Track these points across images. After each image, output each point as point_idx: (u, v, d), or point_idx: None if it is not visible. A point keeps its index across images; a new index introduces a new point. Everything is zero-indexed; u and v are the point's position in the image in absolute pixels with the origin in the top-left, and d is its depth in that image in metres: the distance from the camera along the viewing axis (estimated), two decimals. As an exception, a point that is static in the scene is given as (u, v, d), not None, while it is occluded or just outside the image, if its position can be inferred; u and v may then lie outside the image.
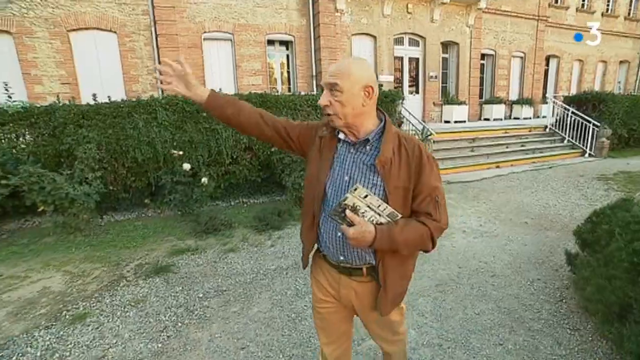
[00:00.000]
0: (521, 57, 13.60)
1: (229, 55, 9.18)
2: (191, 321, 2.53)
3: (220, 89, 5.87)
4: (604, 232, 2.32)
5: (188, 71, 1.22)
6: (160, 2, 8.41)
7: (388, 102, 6.33)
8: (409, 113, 7.19)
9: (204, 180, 4.96)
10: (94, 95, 5.52)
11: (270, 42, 9.46)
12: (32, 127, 5.15)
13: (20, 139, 5.21)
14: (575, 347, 2.14)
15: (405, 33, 10.64)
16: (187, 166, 4.90)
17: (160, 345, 2.28)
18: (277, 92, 9.30)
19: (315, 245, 1.32)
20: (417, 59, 11.16)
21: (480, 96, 12.86)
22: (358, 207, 1.05)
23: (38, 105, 5.26)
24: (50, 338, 2.40)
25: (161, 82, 1.23)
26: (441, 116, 11.44)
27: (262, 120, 1.31)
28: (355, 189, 1.02)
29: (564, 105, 9.65)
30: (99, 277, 3.35)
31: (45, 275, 3.45)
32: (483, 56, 12.67)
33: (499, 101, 12.37)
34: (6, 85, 5.32)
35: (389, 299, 1.22)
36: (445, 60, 11.75)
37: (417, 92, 11.35)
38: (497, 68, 13.07)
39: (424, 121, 10.53)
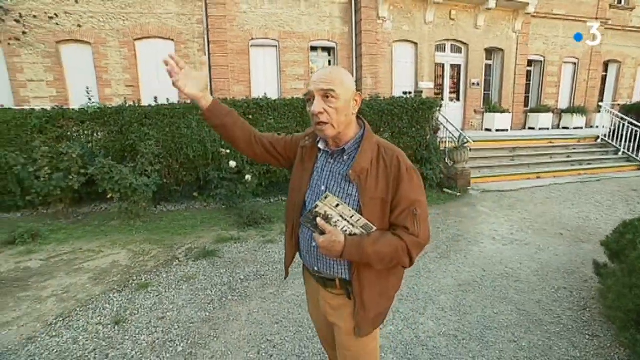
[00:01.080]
0: (574, 63, 12.89)
1: (274, 61, 9.71)
2: (233, 298, 2.91)
3: (265, 94, 6.35)
4: (628, 242, 2.36)
5: (204, 74, 1.23)
6: (213, 12, 9.10)
7: (425, 110, 6.43)
8: (447, 120, 7.21)
9: (248, 177, 5.42)
10: (155, 97, 6.23)
11: (313, 49, 9.87)
12: (105, 125, 5.92)
13: (95, 135, 6.01)
14: (592, 351, 2.22)
15: (447, 40, 10.59)
16: (233, 164, 5.38)
17: (207, 314, 2.67)
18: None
19: (298, 255, 1.34)
20: (459, 66, 11.04)
21: (526, 104, 12.38)
22: (330, 216, 1.04)
23: (110, 106, 6.04)
24: (122, 299, 2.90)
25: (170, 75, 1.15)
26: (482, 124, 11.20)
27: (254, 139, 1.32)
28: (326, 197, 1.01)
29: (620, 114, 9.08)
30: (156, 256, 3.87)
31: (114, 251, 4.04)
32: (530, 62, 12.19)
33: (546, 110, 11.84)
34: (88, 89, 6.18)
35: (370, 317, 1.17)
36: (488, 67, 11.49)
37: (457, 99, 11.22)
38: (545, 75, 12.51)
39: (463, 129, 10.44)
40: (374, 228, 1.07)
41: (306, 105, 1.17)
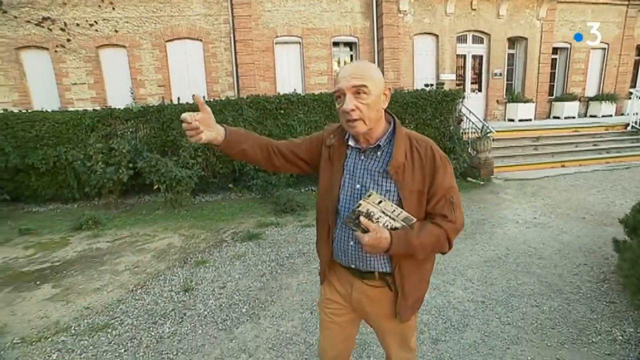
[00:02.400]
0: (603, 49, 12.52)
1: (297, 57, 10.04)
2: (282, 271, 3.31)
3: (295, 90, 6.71)
4: (644, 218, 2.58)
5: (208, 113, 1.10)
6: (239, 12, 9.48)
7: (448, 101, 6.63)
8: (469, 111, 7.37)
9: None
10: (178, 98, 6.67)
11: (336, 44, 10.14)
12: (147, 122, 6.44)
13: (139, 132, 6.54)
14: (608, 314, 2.48)
15: (468, 30, 10.61)
16: (268, 156, 5.78)
17: (261, 284, 3.08)
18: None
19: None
20: (481, 56, 11.04)
21: (550, 93, 12.19)
22: (372, 213, 1.05)
23: (152, 105, 6.55)
24: (185, 273, 3.35)
25: (194, 132, 1.06)
26: (505, 114, 11.18)
27: (272, 153, 1.26)
28: (369, 195, 1.02)
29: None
30: (206, 239, 4.32)
31: (167, 235, 4.53)
32: (555, 50, 11.99)
33: (572, 98, 11.65)
34: (131, 90, 6.73)
35: (409, 305, 1.20)
36: (511, 56, 11.42)
37: (479, 90, 11.23)
38: (571, 62, 12.26)
39: (486, 120, 10.48)
40: (414, 220, 1.08)
41: (335, 102, 1.14)
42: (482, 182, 6.49)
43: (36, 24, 8.46)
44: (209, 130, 1.09)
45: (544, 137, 8.65)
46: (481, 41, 10.94)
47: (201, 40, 9.69)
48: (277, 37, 9.74)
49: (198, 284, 3.12)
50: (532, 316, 2.49)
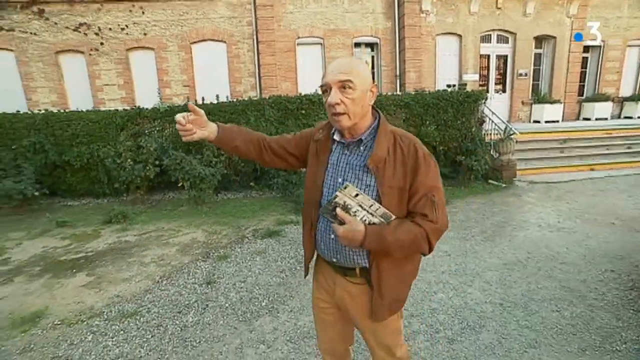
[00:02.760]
0: (641, 46, 11.90)
1: (319, 58, 10.13)
2: (301, 268, 3.39)
3: (316, 90, 6.80)
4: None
5: (200, 115, 1.19)
6: (262, 14, 9.66)
7: (470, 102, 6.53)
8: (492, 112, 7.22)
9: (303, 168, 5.91)
10: (203, 98, 6.87)
11: (357, 45, 10.15)
12: (173, 122, 6.66)
13: (165, 130, 6.81)
14: (634, 323, 2.40)
15: (493, 30, 10.37)
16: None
17: (281, 280, 3.18)
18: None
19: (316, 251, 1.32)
20: (506, 56, 10.76)
21: (580, 93, 11.73)
22: (349, 206, 1.04)
23: (177, 105, 6.81)
24: (208, 267, 3.50)
25: (187, 132, 1.17)
26: (530, 116, 10.85)
27: (263, 147, 1.32)
28: (345, 187, 1.02)
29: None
30: (228, 235, 4.47)
31: (191, 230, 4.71)
32: (587, 49, 11.52)
33: (604, 98, 11.16)
34: (158, 90, 7.02)
35: (386, 304, 1.18)
36: (538, 55, 11.07)
37: (504, 90, 10.95)
38: (604, 61, 11.73)
39: (510, 121, 10.22)
40: (393, 217, 1.07)
41: (322, 96, 1.16)
42: (504, 185, 6.35)
43: (74, 30, 8.97)
44: (201, 129, 1.19)
45: (572, 139, 8.34)
46: (506, 40, 10.67)
47: (225, 42, 9.94)
48: (299, 38, 9.87)
49: (220, 278, 3.25)
50: (552, 321, 2.45)
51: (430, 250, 1.11)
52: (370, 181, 1.12)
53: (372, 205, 1.05)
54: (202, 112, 1.18)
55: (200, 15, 9.67)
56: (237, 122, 6.40)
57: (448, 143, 6.61)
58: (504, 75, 10.95)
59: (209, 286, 3.10)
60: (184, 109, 6.61)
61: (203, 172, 5.85)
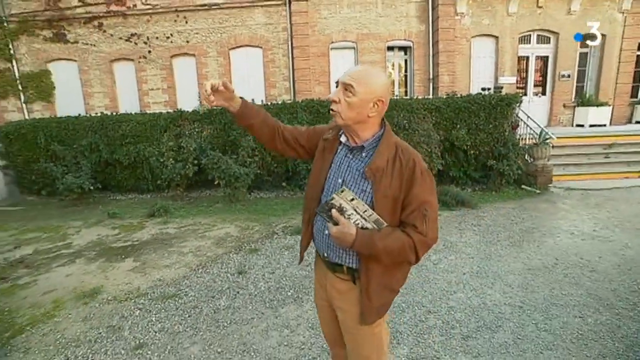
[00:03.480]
0: None
1: (352, 62, 10.27)
2: (325, 263, 3.57)
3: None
4: None
5: (231, 91, 1.27)
6: (297, 20, 9.97)
7: (503, 106, 6.39)
8: (527, 116, 7.00)
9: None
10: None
11: (390, 48, 10.19)
12: (211, 124, 7.14)
13: (203, 132, 7.27)
14: (662, 333, 2.34)
15: (533, 30, 9.98)
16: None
17: (307, 272, 3.38)
18: (395, 95, 9.96)
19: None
20: (547, 57, 10.31)
21: (633, 95, 10.95)
22: (345, 209, 1.10)
23: (215, 108, 7.25)
24: (240, 258, 3.78)
25: (208, 99, 1.27)
26: (572, 120, 10.30)
27: (277, 133, 1.38)
28: (342, 191, 1.09)
29: None
30: (259, 231, 4.75)
31: (225, 225, 5.04)
32: (641, 47, 10.72)
33: (660, 100, 10.36)
34: (199, 94, 7.52)
35: (374, 307, 1.22)
36: (583, 55, 10.49)
37: (543, 93, 10.50)
38: (662, 60, 10.86)
39: (549, 125, 9.79)
40: (385, 224, 1.12)
41: None
42: (538, 191, 6.15)
43: (126, 40, 9.82)
44: (224, 101, 1.29)
45: (619, 144, 7.85)
46: (547, 41, 10.22)
47: (261, 48, 10.36)
48: (332, 42, 10.08)
49: (250, 269, 3.51)
50: (574, 326, 2.44)
51: (417, 260, 1.16)
52: (366, 187, 1.17)
53: (366, 210, 1.10)
54: (232, 89, 1.27)
55: (239, 23, 10.16)
56: (270, 124, 6.72)
57: (479, 147, 6.51)
58: (544, 77, 10.49)
59: (240, 276, 3.36)
60: (222, 111, 7.00)
61: (238, 171, 6.21)
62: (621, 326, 2.44)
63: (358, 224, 1.12)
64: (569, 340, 2.30)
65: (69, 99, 10.04)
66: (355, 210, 1.10)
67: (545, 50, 10.27)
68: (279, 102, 7.03)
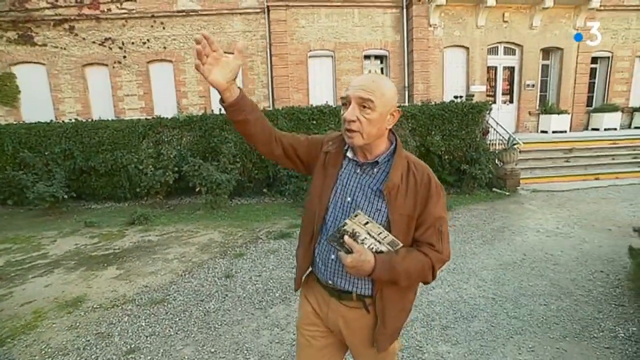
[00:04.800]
0: (650, 57, 11.96)
1: (329, 70, 10.54)
2: (310, 265, 3.68)
3: (327, 101, 7.17)
4: (653, 226, 2.71)
5: (239, 62, 1.05)
6: (275, 28, 10.13)
7: (474, 113, 6.80)
8: (497, 123, 7.46)
9: (310, 174, 6.25)
10: (220, 108, 7.27)
11: (367, 57, 10.54)
12: (191, 131, 7.11)
13: (183, 139, 7.23)
14: (614, 315, 2.62)
15: (500, 42, 10.66)
16: (299, 162, 6.24)
17: (293, 274, 3.44)
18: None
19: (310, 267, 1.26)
20: (513, 68, 11.01)
21: (589, 104, 11.85)
22: (357, 234, 1.01)
23: (195, 115, 7.24)
24: (226, 263, 3.83)
25: (197, 56, 1.00)
26: (537, 126, 11.02)
27: (274, 138, 1.21)
28: (356, 215, 0.99)
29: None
30: (243, 236, 4.80)
31: (208, 232, 5.05)
32: (595, 60, 11.67)
33: (612, 109, 11.24)
34: (178, 102, 7.49)
35: (388, 333, 1.15)
36: (545, 67, 11.28)
37: (511, 101, 11.17)
38: (613, 72, 11.84)
39: (517, 132, 10.41)
40: (400, 244, 1.05)
41: (341, 108, 1.12)
42: (507, 193, 6.56)
43: (99, 44, 9.60)
44: (215, 68, 1.02)
45: (578, 149, 8.49)
46: (513, 52, 10.93)
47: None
48: (310, 51, 10.30)
49: (237, 272, 3.57)
50: (539, 313, 2.69)
51: (434, 278, 1.11)
52: (381, 206, 1.09)
53: (380, 232, 1.02)
54: (221, 52, 1.03)
55: (217, 30, 10.19)
56: (252, 131, 6.78)
57: (453, 152, 6.87)
58: (511, 86, 11.18)
59: (228, 279, 3.42)
60: (202, 118, 7.01)
61: (219, 178, 6.22)
62: (578, 310, 2.72)
63: (372, 248, 1.04)
64: (535, 325, 2.54)
65: (36, 104, 9.64)
66: (369, 234, 1.02)
67: (512, 61, 10.96)
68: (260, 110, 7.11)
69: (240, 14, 10.10)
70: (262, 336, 2.50)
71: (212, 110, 8.52)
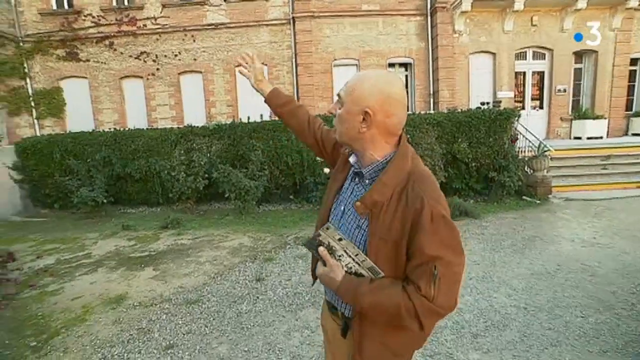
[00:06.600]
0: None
1: (353, 79, 10.62)
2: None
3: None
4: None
5: (257, 66, 1.37)
6: (301, 38, 10.37)
7: (502, 120, 6.67)
8: (526, 129, 7.27)
9: (336, 181, 6.34)
10: (248, 117, 7.43)
11: (391, 65, 10.57)
12: (221, 139, 7.38)
13: (213, 147, 7.51)
14: (659, 331, 2.51)
15: (528, 47, 10.40)
16: (327, 170, 6.33)
17: (320, 279, 3.54)
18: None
19: None
20: (543, 73, 10.69)
21: (628, 108, 11.28)
22: (334, 249, 0.93)
23: (225, 123, 7.51)
24: (256, 267, 3.95)
25: (243, 65, 1.39)
26: (570, 132, 10.59)
27: (308, 127, 1.30)
28: (327, 228, 0.92)
29: None
30: (272, 241, 4.93)
31: (238, 236, 5.22)
32: (635, 61, 11.11)
33: (654, 113, 10.67)
34: (207, 111, 7.77)
35: None
36: (578, 71, 10.87)
37: (541, 107, 10.83)
38: (655, 74, 11.23)
39: (547, 138, 10.06)
40: (381, 274, 0.91)
41: None
42: (538, 202, 6.35)
43: (135, 58, 10.21)
44: (254, 77, 1.37)
45: (616, 156, 8.09)
46: (543, 57, 10.62)
47: (266, 65, 10.71)
48: (335, 60, 10.46)
49: (267, 276, 3.68)
50: (576, 325, 2.61)
51: (422, 329, 0.89)
52: (362, 224, 0.96)
53: (357, 254, 0.92)
54: (260, 70, 1.39)
55: (245, 41, 10.56)
56: (279, 139, 6.97)
57: (480, 159, 6.74)
58: (541, 91, 10.85)
59: (259, 282, 3.53)
60: (231, 127, 7.26)
61: (248, 184, 6.42)
62: (620, 324, 2.61)
63: (351, 268, 0.94)
64: (572, 337, 2.47)
65: (79, 115, 10.37)
66: (345, 251, 0.93)
67: (541, 65, 10.65)
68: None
69: (267, 25, 10.43)
70: (293, 337, 2.57)
71: (240, 119, 8.81)
